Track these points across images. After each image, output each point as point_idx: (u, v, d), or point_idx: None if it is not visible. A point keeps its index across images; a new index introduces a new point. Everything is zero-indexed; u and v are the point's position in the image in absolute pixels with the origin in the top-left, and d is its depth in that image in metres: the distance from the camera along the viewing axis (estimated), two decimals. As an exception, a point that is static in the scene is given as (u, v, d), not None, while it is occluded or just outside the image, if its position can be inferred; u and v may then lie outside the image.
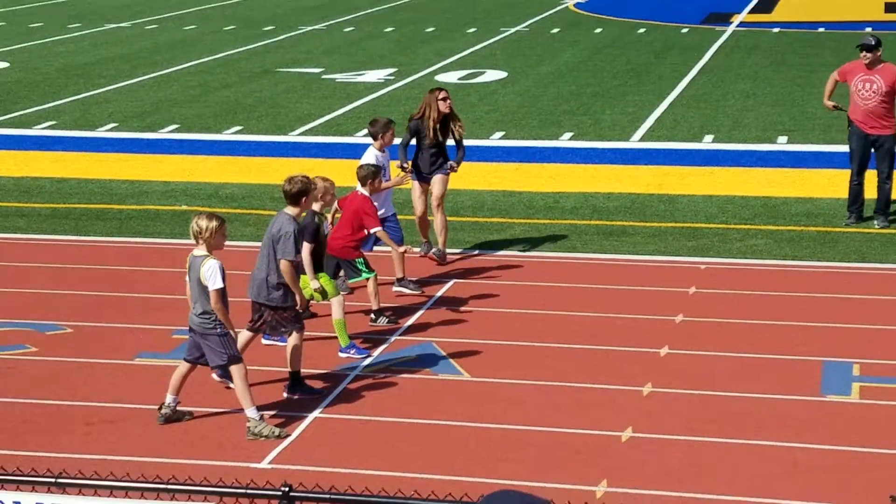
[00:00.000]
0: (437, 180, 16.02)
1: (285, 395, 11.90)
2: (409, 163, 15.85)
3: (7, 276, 15.71)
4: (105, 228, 17.82)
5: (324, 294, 12.78)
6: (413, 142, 16.02)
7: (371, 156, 14.82)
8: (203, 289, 10.90)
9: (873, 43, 17.37)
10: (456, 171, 16.16)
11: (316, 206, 12.72)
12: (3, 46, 36.11)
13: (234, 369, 11.01)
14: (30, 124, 25.01)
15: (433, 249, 16.17)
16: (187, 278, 11.08)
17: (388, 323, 13.82)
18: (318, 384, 12.15)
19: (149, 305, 14.48)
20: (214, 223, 10.98)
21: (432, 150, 15.94)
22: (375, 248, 14.72)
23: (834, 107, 17.86)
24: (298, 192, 11.86)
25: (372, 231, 13.73)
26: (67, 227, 17.89)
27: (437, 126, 15.82)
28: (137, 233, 17.58)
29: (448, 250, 16.27)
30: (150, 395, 11.71)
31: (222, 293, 10.91)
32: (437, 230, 16.04)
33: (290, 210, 11.85)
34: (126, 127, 24.67)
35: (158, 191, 19.86)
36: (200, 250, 11.00)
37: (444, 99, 15.90)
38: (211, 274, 10.84)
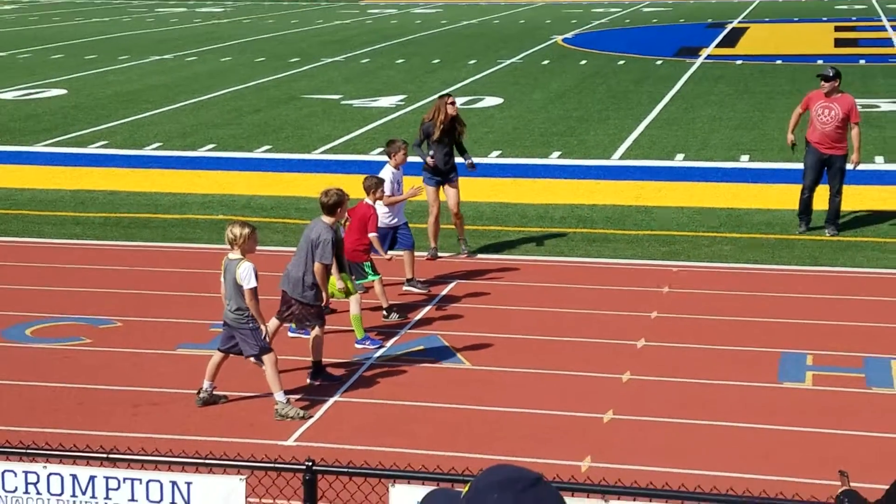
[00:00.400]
0: (450, 191, 16.07)
1: (309, 381, 11.89)
2: (433, 159, 15.89)
3: (65, 276, 15.71)
4: (151, 235, 17.81)
5: (347, 293, 12.78)
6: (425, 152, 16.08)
7: (388, 172, 14.80)
8: (238, 288, 10.89)
9: (831, 74, 17.29)
10: (476, 167, 16.32)
11: None
12: (63, 76, 36.13)
13: (266, 358, 11.00)
14: (85, 144, 25.00)
15: (462, 249, 16.35)
16: (223, 279, 11.07)
17: (398, 318, 13.80)
18: (337, 371, 12.14)
19: (189, 302, 14.47)
20: (247, 230, 10.97)
21: (445, 150, 16.00)
22: (391, 252, 14.69)
23: (792, 143, 17.71)
24: (334, 204, 11.88)
25: (369, 235, 13.68)
26: (118, 234, 17.89)
27: (444, 127, 15.89)
28: (179, 239, 17.58)
29: (449, 254, 16.28)
30: (189, 381, 11.70)
31: (255, 291, 10.91)
32: (459, 232, 16.28)
33: (327, 219, 11.84)
34: (169, 146, 24.66)
35: (198, 202, 19.85)
36: (235, 254, 10.99)
37: (451, 103, 15.99)
38: (246, 275, 10.83)
